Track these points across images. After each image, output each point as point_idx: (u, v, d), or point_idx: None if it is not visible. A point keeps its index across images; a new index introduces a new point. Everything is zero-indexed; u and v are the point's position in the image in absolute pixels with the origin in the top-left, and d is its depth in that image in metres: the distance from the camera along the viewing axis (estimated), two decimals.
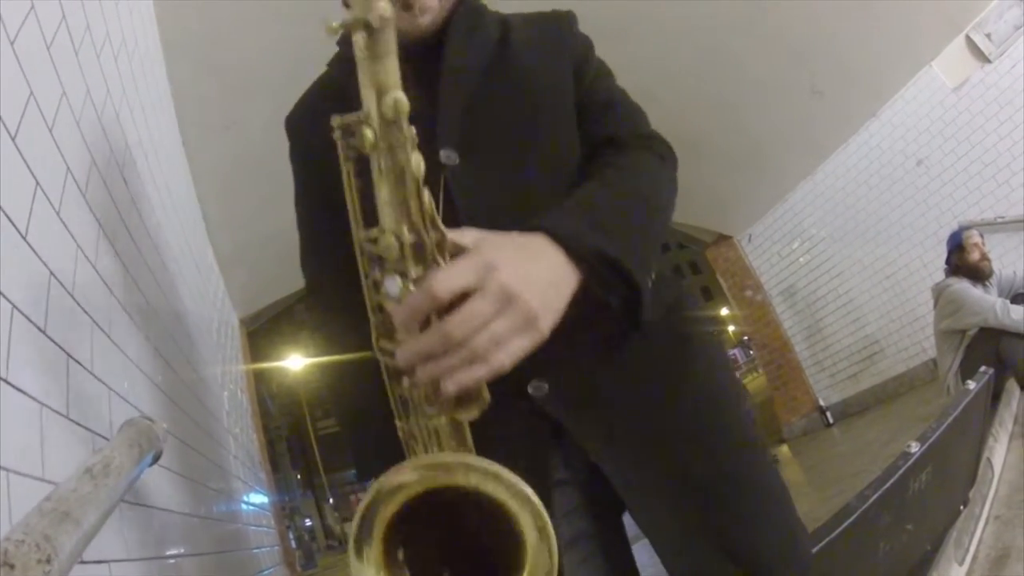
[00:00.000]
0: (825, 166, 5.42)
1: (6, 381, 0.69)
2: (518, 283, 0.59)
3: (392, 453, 0.63)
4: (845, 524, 1.26)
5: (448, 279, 0.57)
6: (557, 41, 0.89)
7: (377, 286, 0.61)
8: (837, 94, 4.78)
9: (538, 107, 0.84)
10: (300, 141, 0.92)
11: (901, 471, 1.43)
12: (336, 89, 0.83)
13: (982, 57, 4.46)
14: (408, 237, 0.59)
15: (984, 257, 3.50)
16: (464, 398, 0.62)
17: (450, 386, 0.58)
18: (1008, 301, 3.29)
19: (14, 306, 0.74)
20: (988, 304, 3.26)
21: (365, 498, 0.58)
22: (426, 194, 0.59)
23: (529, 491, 0.57)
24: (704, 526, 0.78)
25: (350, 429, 0.90)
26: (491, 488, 0.58)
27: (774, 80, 4.57)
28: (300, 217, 0.93)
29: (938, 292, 3.54)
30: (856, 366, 5.58)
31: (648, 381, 0.83)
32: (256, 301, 3.02)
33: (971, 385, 1.96)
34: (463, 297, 0.57)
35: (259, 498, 2.49)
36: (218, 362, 2.17)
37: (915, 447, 1.51)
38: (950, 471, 1.78)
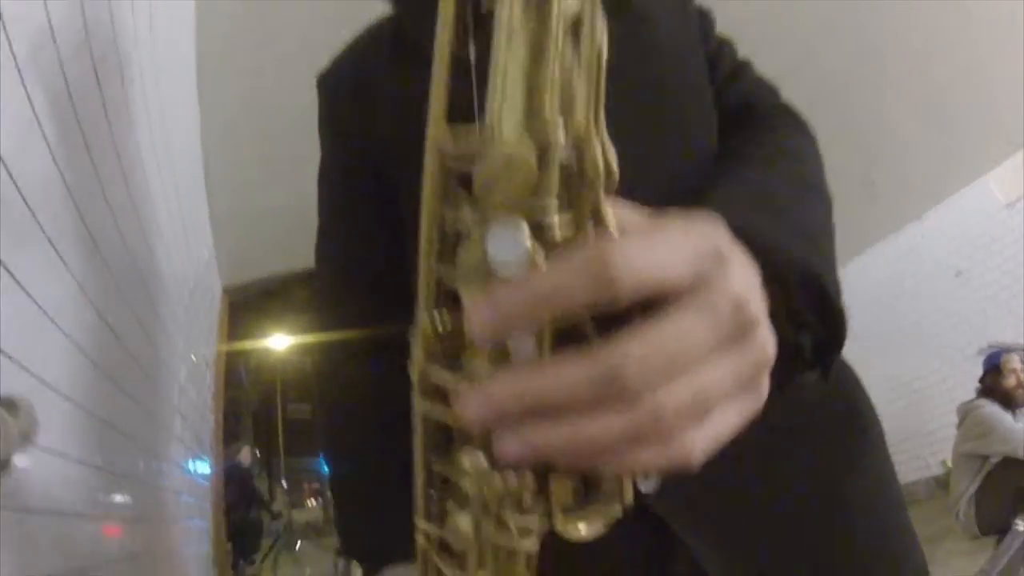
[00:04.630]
0: (858, 260, 5.25)
1: None
2: (754, 301, 0.30)
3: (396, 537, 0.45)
4: None
5: (644, 255, 0.26)
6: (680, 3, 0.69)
7: (455, 238, 0.30)
8: (888, 189, 4.63)
9: (665, 69, 0.62)
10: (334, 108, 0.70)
11: None
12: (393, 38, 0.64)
13: None
14: (557, 148, 0.26)
15: (1020, 384, 3.30)
16: (592, 496, 0.31)
17: (634, 469, 0.30)
18: None
19: None
20: (1020, 434, 3.05)
21: None
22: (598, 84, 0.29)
23: None
24: None
25: (341, 494, 0.65)
26: None
27: (830, 164, 4.43)
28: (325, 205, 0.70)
29: (965, 412, 3.34)
30: None
31: (796, 485, 0.57)
32: (245, 272, 2.78)
33: (1020, 526, 1.73)
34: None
35: (196, 490, 2.23)
36: (182, 329, 1.94)
37: None
38: None
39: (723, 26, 0.74)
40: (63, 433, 0.90)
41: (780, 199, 0.49)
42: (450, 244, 0.30)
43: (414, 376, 0.32)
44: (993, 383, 3.36)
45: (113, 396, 1.19)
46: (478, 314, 0.26)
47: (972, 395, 3.50)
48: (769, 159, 0.56)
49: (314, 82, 0.71)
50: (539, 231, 0.27)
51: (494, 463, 0.29)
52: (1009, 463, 3.04)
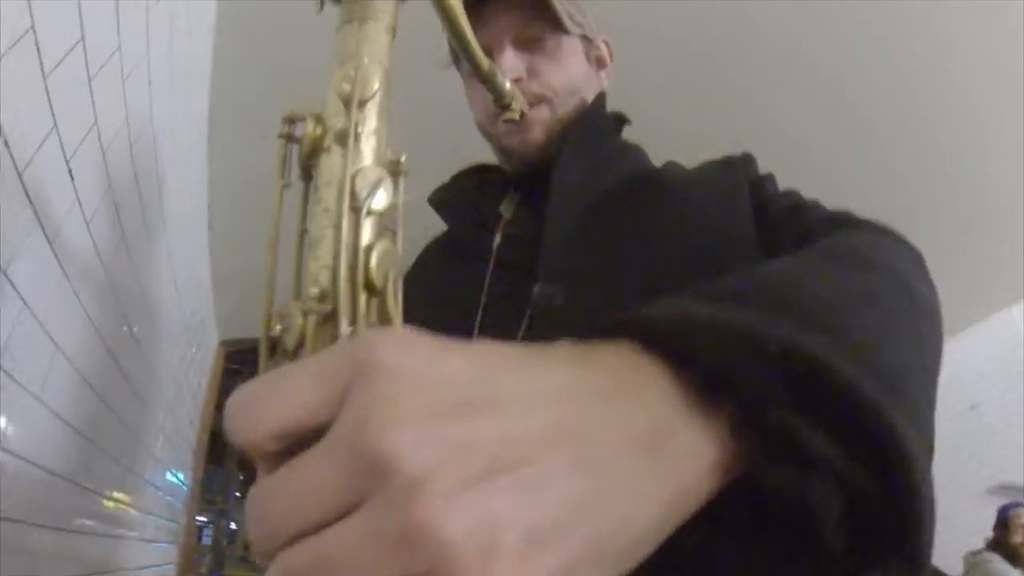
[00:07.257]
0: None
1: None
2: (400, 439, 0.20)
3: None
4: None
5: (275, 390, 0.22)
6: (725, 167, 0.69)
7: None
8: None
9: (698, 243, 0.60)
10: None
11: None
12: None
13: None
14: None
15: None
16: None
17: None
18: None
19: None
20: None
21: None
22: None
23: None
24: None
25: None
26: None
27: None
28: None
29: (971, 564, 3.19)
30: None
31: None
32: (241, 331, 2.70)
33: None
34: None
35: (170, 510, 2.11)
36: (177, 370, 1.89)
37: None
38: None
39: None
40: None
41: (781, 286, 0.34)
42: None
43: None
44: (1001, 537, 3.23)
45: (103, 417, 1.16)
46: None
47: (977, 535, 3.35)
48: (796, 258, 0.42)
49: None
50: None
51: None
52: None
